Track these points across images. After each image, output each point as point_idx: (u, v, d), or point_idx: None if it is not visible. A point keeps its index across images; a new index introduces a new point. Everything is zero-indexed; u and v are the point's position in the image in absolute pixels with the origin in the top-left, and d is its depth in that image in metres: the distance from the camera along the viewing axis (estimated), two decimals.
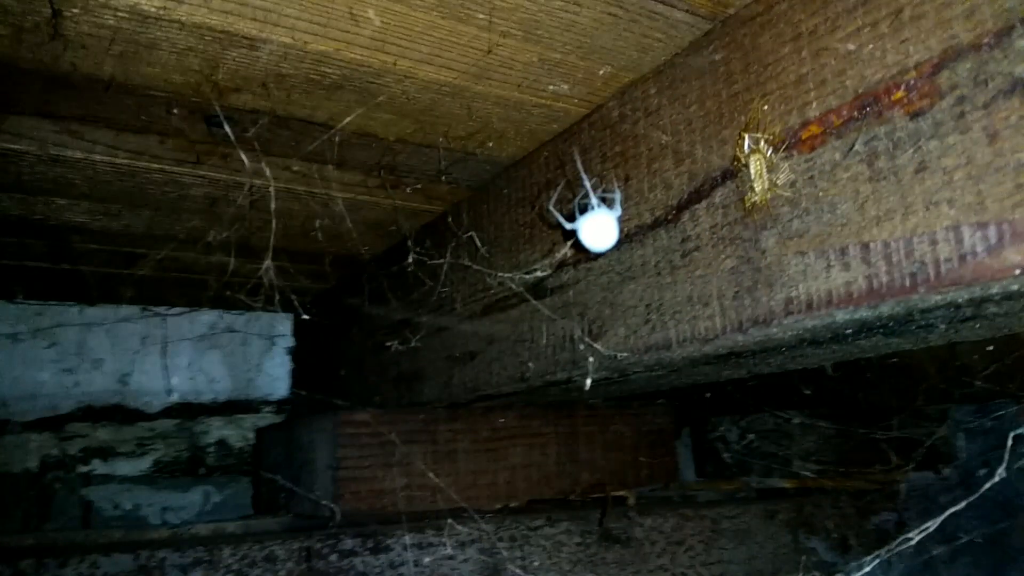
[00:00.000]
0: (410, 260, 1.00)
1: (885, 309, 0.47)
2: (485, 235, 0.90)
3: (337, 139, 0.78)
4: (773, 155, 0.54)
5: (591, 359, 0.69)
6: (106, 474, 1.44)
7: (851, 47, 0.50)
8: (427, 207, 0.99)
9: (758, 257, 0.55)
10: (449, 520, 0.97)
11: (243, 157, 0.80)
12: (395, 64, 0.64)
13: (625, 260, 0.68)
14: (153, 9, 0.55)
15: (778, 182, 0.53)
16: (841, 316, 0.50)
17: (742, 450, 1.53)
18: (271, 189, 0.89)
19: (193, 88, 0.66)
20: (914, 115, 0.46)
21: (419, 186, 0.91)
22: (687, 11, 0.59)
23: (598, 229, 0.55)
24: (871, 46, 0.49)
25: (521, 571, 1.09)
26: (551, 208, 0.61)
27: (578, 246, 0.60)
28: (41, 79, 0.63)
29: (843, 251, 0.49)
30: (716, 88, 0.60)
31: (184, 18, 0.56)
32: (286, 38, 0.59)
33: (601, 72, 0.67)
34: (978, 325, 0.52)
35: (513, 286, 0.83)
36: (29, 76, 0.63)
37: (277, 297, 1.27)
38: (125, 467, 1.46)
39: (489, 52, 0.62)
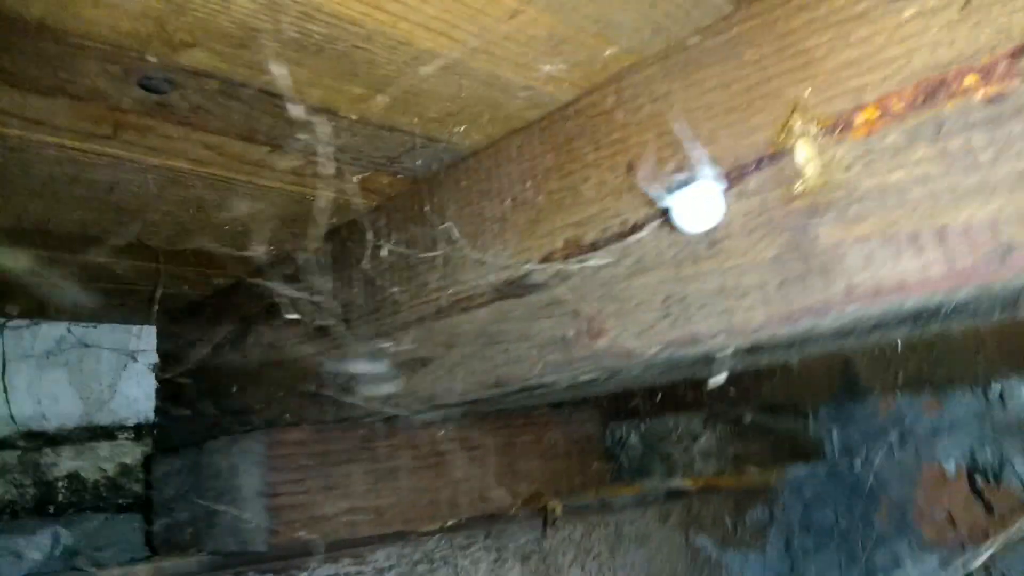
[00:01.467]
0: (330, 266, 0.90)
1: (964, 292, 0.47)
2: (437, 230, 0.82)
3: (291, 115, 0.68)
4: (823, 139, 0.52)
5: (604, 359, 0.64)
6: None
7: (910, 32, 0.49)
8: (358, 200, 0.89)
9: (808, 244, 0.53)
10: (367, 550, 0.88)
11: (169, 133, 0.68)
12: (394, 27, 0.56)
13: (632, 253, 0.64)
14: None
15: (832, 167, 0.52)
16: (912, 302, 0.49)
17: (642, 453, 1.54)
18: (190, 174, 0.77)
19: (139, 40, 0.54)
20: (991, 100, 0.45)
21: (365, 175, 0.82)
22: None
23: (700, 205, 0.51)
24: (936, 30, 0.48)
25: None
26: (641, 182, 0.56)
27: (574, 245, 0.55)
28: None
29: (915, 236, 0.48)
30: (743, 73, 0.58)
31: None
32: None
33: (607, 53, 0.63)
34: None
35: (482, 284, 0.76)
36: None
37: (156, 307, 1.12)
38: None
39: (512, 18, 0.56)
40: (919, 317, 0.54)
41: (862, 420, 1.75)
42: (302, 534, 0.78)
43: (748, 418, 1.64)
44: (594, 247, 0.67)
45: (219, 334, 1.21)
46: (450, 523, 0.95)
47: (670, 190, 0.52)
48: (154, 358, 1.42)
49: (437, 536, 0.99)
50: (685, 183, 0.51)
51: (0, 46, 0.53)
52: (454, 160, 0.81)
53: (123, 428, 1.40)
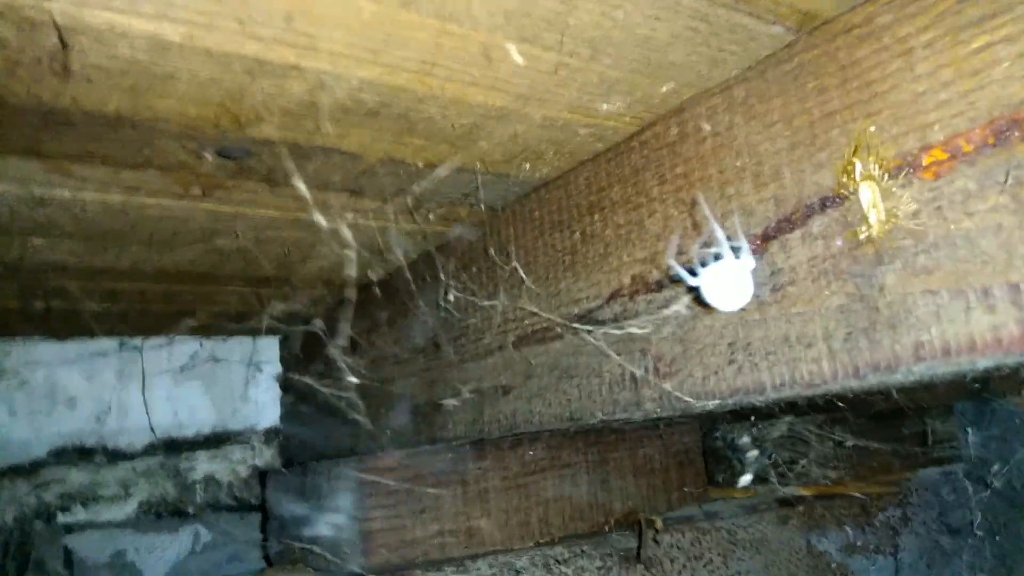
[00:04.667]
0: (440, 291, 0.93)
1: None
2: (511, 259, 0.83)
3: (361, 167, 0.71)
4: (889, 182, 0.49)
5: (672, 401, 0.63)
6: (88, 520, 1.33)
7: (980, 64, 0.45)
8: (442, 229, 0.92)
9: (875, 295, 0.50)
10: (468, 560, 0.91)
11: (254, 189, 0.73)
12: (442, 89, 0.57)
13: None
14: (178, 38, 0.47)
15: (898, 212, 0.48)
16: (984, 363, 0.45)
17: (756, 458, 1.49)
18: (277, 221, 0.82)
19: (209, 121, 0.58)
20: None
21: (441, 211, 0.84)
22: (774, 23, 0.53)
23: (730, 283, 0.49)
24: (1008, 63, 0.44)
25: None
26: (671, 261, 0.55)
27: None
28: (35, 116, 0.55)
29: (986, 292, 0.44)
30: (806, 106, 0.55)
31: (213, 47, 0.48)
32: (326, 64, 0.52)
33: (663, 89, 0.61)
34: None
35: (554, 316, 0.77)
36: (20, 113, 0.54)
37: (265, 323, 1.19)
38: (109, 511, 1.36)
39: (555, 73, 0.56)
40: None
41: (1001, 420, 1.61)
42: (393, 557, 0.82)
43: (867, 422, 1.55)
44: (660, 286, 0.66)
45: (331, 349, 1.27)
46: (543, 541, 0.96)
47: (704, 263, 0.50)
48: (278, 368, 1.52)
49: (534, 549, 1.01)
50: (716, 258, 0.49)
51: (87, 136, 0.59)
52: (526, 191, 0.81)
53: (254, 432, 1.51)
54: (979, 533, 1.73)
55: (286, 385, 1.49)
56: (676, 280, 0.64)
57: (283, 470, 0.99)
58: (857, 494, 1.68)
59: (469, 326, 0.90)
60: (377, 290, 1.06)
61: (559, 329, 0.77)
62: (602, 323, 0.71)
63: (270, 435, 1.53)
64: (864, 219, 0.50)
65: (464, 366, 0.91)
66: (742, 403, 0.59)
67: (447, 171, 0.72)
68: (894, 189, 0.49)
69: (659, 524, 1.16)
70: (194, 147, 0.62)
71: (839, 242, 0.52)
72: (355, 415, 0.91)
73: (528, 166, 0.74)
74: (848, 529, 1.73)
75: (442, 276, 0.91)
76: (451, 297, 0.91)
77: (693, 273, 0.50)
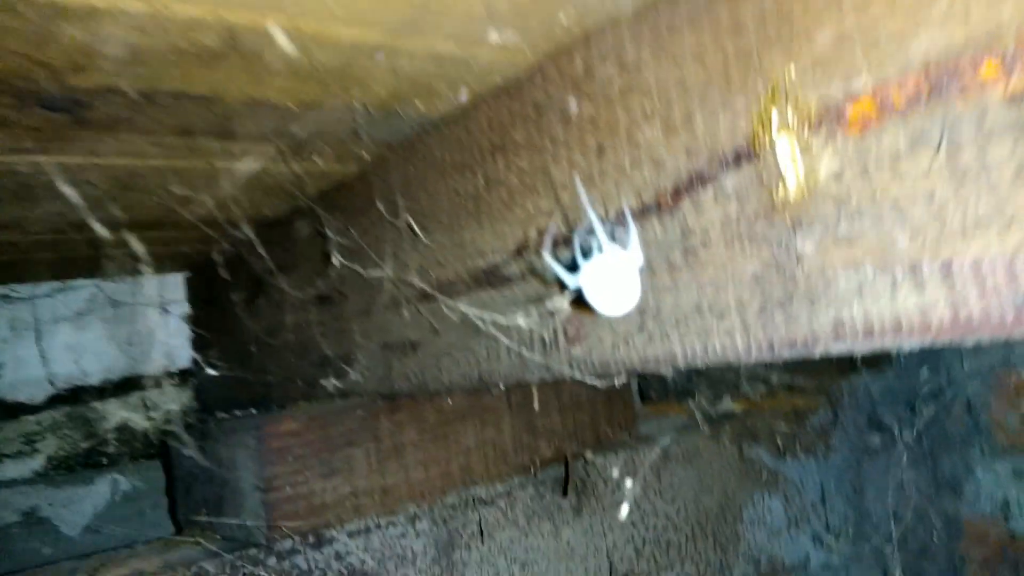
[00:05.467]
0: (326, 237, 0.85)
1: (973, 341, 0.38)
2: (415, 204, 0.75)
3: (221, 110, 0.61)
4: (809, 135, 0.42)
5: (582, 368, 0.58)
6: None
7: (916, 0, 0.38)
8: (337, 167, 0.83)
9: (791, 264, 0.44)
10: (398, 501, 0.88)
11: (97, 138, 0.63)
12: (296, 26, 0.48)
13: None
14: None
15: (819, 172, 0.42)
16: (911, 344, 0.40)
17: (688, 374, 1.48)
18: (140, 167, 0.72)
19: (17, 73, 0.48)
20: (1014, 98, 0.35)
21: (328, 150, 0.75)
22: None
23: (614, 281, 0.43)
24: (947, 1, 0.37)
25: (476, 533, 1.02)
26: (546, 256, 0.48)
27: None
28: None
29: (915, 268, 0.39)
30: (720, 43, 0.47)
31: None
32: (140, 5, 0.42)
33: (562, 17, 0.53)
34: None
35: (461, 269, 0.70)
36: None
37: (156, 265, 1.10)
38: (14, 469, 1.28)
39: (425, 6, 0.47)
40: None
41: None
42: (301, 524, 0.78)
43: None
44: (566, 242, 0.59)
45: (235, 293, 1.19)
46: (469, 490, 0.93)
47: (586, 254, 0.43)
48: (187, 308, 1.43)
49: (463, 488, 0.97)
50: (596, 251, 0.42)
51: None
52: (426, 127, 0.73)
53: (168, 374, 1.43)
54: (906, 439, 1.79)
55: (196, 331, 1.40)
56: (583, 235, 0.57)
57: (184, 430, 0.92)
58: (774, 408, 1.70)
59: (374, 275, 0.83)
60: (274, 232, 0.97)
61: (465, 284, 0.70)
62: (508, 280, 0.65)
63: (184, 376, 1.45)
64: (780, 177, 0.44)
65: (370, 318, 0.84)
66: (653, 372, 0.54)
67: (324, 111, 0.63)
68: (815, 144, 0.42)
69: (588, 456, 1.14)
70: (11, 102, 0.52)
71: (753, 202, 0.46)
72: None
73: (420, 103, 0.65)
74: (779, 435, 1.76)
75: (330, 229, 0.82)
76: (336, 260, 0.83)
77: (574, 267, 0.44)
